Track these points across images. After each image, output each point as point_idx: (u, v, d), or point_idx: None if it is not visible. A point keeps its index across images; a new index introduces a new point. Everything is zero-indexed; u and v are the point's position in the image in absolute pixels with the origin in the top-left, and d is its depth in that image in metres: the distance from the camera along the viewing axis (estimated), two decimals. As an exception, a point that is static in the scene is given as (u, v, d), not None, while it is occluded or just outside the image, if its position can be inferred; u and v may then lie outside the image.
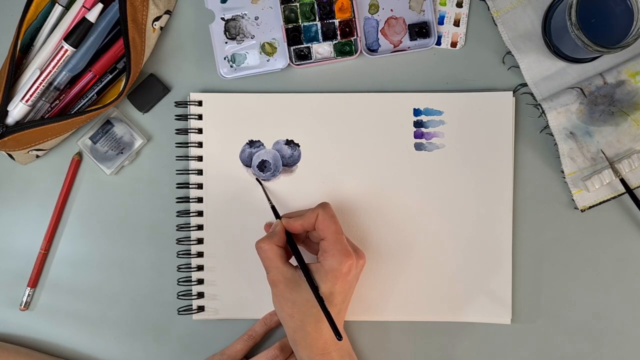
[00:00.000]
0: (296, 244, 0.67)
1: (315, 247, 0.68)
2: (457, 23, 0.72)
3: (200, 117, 0.72)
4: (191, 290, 0.72)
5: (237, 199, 0.72)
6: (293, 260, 0.66)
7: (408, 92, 0.72)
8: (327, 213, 0.65)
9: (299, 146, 0.72)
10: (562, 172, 0.71)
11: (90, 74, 0.69)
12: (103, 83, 0.70)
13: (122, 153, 0.72)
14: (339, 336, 0.62)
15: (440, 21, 0.72)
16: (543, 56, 0.71)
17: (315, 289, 0.63)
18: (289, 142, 0.72)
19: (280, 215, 0.68)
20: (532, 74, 0.71)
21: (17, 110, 0.67)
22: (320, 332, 0.64)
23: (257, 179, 0.71)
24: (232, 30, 0.72)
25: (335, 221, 0.65)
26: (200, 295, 0.72)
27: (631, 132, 0.70)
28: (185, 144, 0.72)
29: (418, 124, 0.72)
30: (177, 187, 0.72)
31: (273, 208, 0.69)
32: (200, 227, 0.72)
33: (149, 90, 0.72)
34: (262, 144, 0.72)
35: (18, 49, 0.67)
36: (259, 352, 0.71)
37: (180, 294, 0.72)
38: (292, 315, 0.64)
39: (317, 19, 0.71)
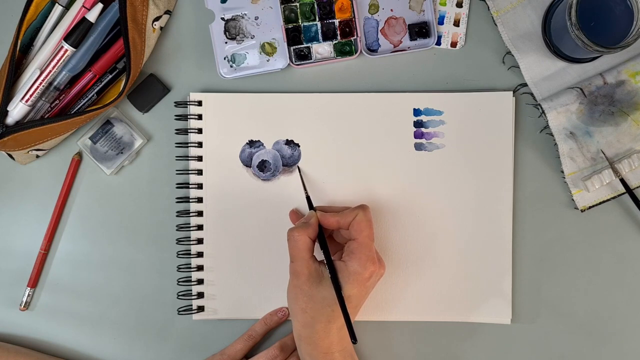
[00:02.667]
0: (326, 241, 0.67)
1: (336, 246, 0.69)
2: (457, 23, 0.72)
3: (200, 117, 0.72)
4: (191, 290, 0.72)
5: (237, 199, 0.72)
6: (317, 255, 0.66)
7: (408, 92, 0.72)
8: (365, 216, 0.65)
9: (299, 146, 0.72)
10: (562, 172, 0.71)
11: (90, 74, 0.69)
12: (103, 83, 0.70)
13: (122, 153, 0.72)
14: (354, 340, 0.62)
15: (440, 21, 0.72)
16: (543, 56, 0.71)
17: (338, 288, 0.63)
18: (289, 142, 0.72)
19: (315, 207, 0.69)
20: (532, 74, 0.71)
21: (17, 110, 0.67)
22: (328, 332, 0.64)
23: (297, 166, 0.71)
24: (232, 30, 0.72)
25: (371, 226, 0.65)
26: (200, 295, 0.72)
27: (631, 132, 0.70)
28: (185, 144, 0.72)
29: (418, 124, 0.72)
30: (177, 187, 0.72)
31: (308, 198, 0.69)
32: (200, 227, 0.72)
33: (149, 90, 0.72)
34: (262, 144, 0.72)
35: (18, 49, 0.67)
36: (259, 352, 0.71)
37: (180, 294, 0.72)
38: (305, 310, 0.64)
39: (317, 19, 0.71)
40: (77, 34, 0.66)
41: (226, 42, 0.72)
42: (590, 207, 0.71)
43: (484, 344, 0.72)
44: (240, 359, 0.71)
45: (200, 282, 0.72)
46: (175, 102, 0.72)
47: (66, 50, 0.66)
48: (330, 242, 0.69)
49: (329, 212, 0.67)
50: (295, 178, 0.72)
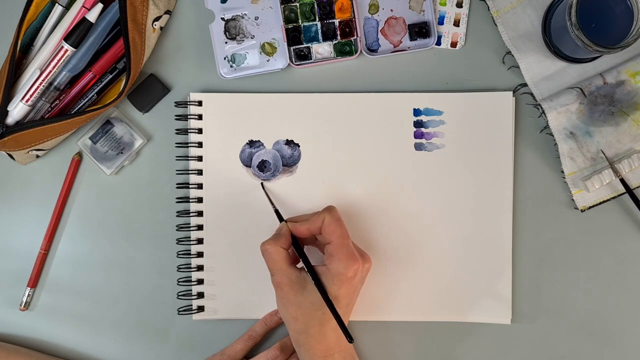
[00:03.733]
0: (302, 247, 0.66)
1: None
2: (457, 23, 0.72)
3: (200, 117, 0.72)
4: (191, 290, 0.72)
5: (237, 199, 0.72)
6: (299, 263, 0.66)
7: (408, 92, 0.72)
8: (333, 217, 0.65)
9: (299, 146, 0.72)
10: (562, 172, 0.71)
11: (90, 74, 0.69)
12: (103, 83, 0.70)
13: (122, 153, 0.72)
14: (350, 338, 0.62)
15: (440, 21, 0.72)
16: (543, 56, 0.71)
17: (324, 292, 0.63)
18: (289, 142, 0.72)
19: (285, 218, 0.68)
20: (532, 74, 0.71)
21: (17, 110, 0.67)
22: (324, 335, 0.64)
23: (261, 183, 0.71)
24: (232, 30, 0.72)
25: (341, 225, 0.65)
26: (200, 295, 0.72)
27: (631, 132, 0.70)
28: (185, 144, 0.72)
29: (418, 124, 0.72)
30: (177, 187, 0.72)
31: (277, 212, 0.69)
32: (200, 227, 0.72)
33: (149, 90, 0.72)
34: (262, 144, 0.72)
35: (18, 49, 0.67)
36: (259, 352, 0.71)
37: (180, 294, 0.72)
38: (297, 318, 0.64)
39: (317, 19, 0.71)
40: (77, 34, 0.66)
41: (226, 42, 0.72)
42: (590, 207, 0.71)
43: (484, 344, 0.72)
44: (240, 359, 0.71)
45: (200, 282, 0.72)
46: (175, 102, 0.72)
47: (66, 50, 0.66)
48: (320, 246, 0.69)
49: (299, 221, 0.66)
50: (295, 178, 0.72)
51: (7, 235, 0.73)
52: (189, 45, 0.73)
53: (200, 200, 0.72)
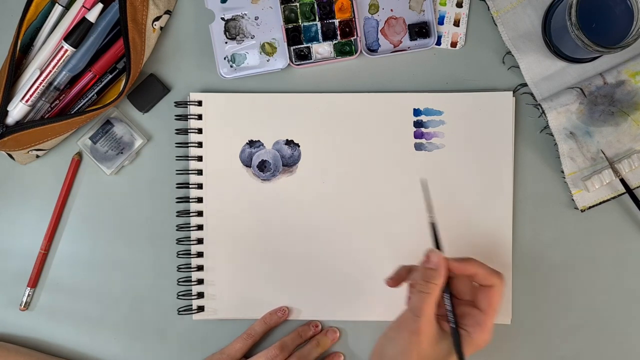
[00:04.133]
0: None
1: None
2: (457, 23, 0.72)
3: (200, 117, 0.72)
4: (191, 290, 0.72)
5: (236, 199, 0.72)
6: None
7: (408, 92, 0.72)
8: (502, 289, 0.61)
9: (299, 146, 0.72)
10: (562, 172, 0.71)
11: (90, 74, 0.69)
12: (103, 83, 0.70)
13: (122, 153, 0.72)
14: None
15: (440, 21, 0.72)
16: (543, 56, 0.71)
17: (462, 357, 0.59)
18: (289, 142, 0.72)
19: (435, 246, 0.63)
20: (532, 74, 0.71)
21: (17, 110, 0.67)
22: None
23: (423, 181, 0.64)
24: (232, 30, 0.72)
25: (501, 300, 0.62)
26: (200, 295, 0.72)
27: (631, 132, 0.70)
28: (185, 144, 0.72)
29: (418, 124, 0.72)
30: (177, 187, 0.72)
31: (433, 227, 0.62)
32: (200, 227, 0.72)
33: (149, 90, 0.72)
34: (262, 144, 0.72)
35: (18, 49, 0.67)
36: (259, 351, 0.71)
37: (180, 294, 0.72)
38: None
39: (317, 19, 0.71)
40: (77, 34, 0.66)
41: (226, 42, 0.72)
42: (590, 207, 0.71)
43: (484, 344, 0.72)
44: (239, 358, 0.71)
45: (200, 282, 0.72)
46: (175, 102, 0.72)
47: (66, 50, 0.66)
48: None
49: (464, 261, 0.61)
50: (295, 178, 0.72)
51: (7, 235, 0.73)
52: (189, 45, 0.73)
53: (200, 200, 0.72)
